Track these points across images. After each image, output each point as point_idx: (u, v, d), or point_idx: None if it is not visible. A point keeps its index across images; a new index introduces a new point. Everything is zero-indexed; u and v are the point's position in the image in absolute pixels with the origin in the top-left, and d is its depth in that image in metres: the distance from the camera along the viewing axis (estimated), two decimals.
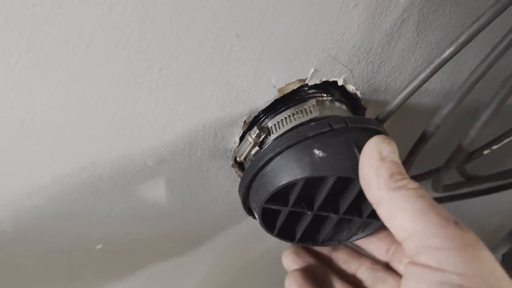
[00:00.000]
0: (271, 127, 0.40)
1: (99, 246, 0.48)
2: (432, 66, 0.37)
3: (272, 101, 0.40)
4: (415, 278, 0.26)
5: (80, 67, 0.29)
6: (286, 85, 0.40)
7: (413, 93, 0.39)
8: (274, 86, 0.39)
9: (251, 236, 0.67)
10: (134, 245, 0.53)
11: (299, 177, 0.34)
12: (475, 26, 0.35)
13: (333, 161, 0.35)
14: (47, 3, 0.26)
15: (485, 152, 0.57)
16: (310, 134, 0.35)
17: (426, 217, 0.27)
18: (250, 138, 0.40)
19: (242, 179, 0.39)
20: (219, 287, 0.82)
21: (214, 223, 0.57)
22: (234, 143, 0.42)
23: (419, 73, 0.38)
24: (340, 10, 0.35)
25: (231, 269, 0.78)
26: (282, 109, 0.41)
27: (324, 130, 0.35)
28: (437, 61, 0.37)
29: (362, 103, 0.45)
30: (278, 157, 0.36)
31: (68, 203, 0.40)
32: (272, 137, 0.40)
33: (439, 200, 0.60)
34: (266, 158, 0.36)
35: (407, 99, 0.39)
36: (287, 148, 0.36)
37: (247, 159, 0.42)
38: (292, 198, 0.37)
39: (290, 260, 0.42)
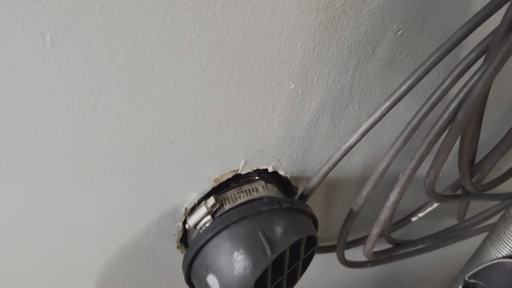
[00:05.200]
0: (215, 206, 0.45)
1: None
2: (340, 151, 0.44)
3: (210, 190, 0.45)
4: None
5: (31, 182, 0.34)
6: (221, 175, 0.45)
7: (328, 173, 0.45)
8: (210, 178, 0.44)
9: None
10: None
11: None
12: (371, 119, 0.42)
13: None
14: (1, 135, 0.31)
15: (413, 219, 0.64)
16: (264, 209, 0.42)
17: None
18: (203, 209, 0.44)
19: (185, 257, 0.44)
20: None
21: None
22: (178, 227, 0.47)
23: (331, 157, 0.45)
24: (260, 115, 0.42)
25: None
26: (224, 189, 0.46)
27: (275, 207, 0.42)
28: (344, 147, 0.44)
29: (293, 183, 0.51)
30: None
31: None
32: (222, 210, 0.45)
33: (374, 262, 0.65)
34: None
35: (324, 178, 0.46)
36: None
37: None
38: None
39: None
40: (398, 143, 0.43)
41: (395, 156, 0.44)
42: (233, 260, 0.40)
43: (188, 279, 0.45)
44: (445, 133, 0.41)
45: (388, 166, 0.45)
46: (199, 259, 0.42)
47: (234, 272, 0.40)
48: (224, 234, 0.41)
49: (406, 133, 0.42)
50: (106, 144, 0.35)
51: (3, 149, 0.31)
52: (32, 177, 0.34)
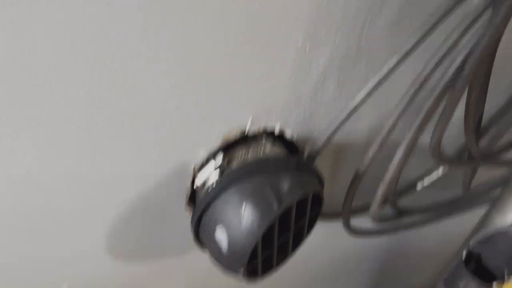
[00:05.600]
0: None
1: (65, 286, 0.52)
2: (346, 111, 0.44)
3: (218, 148, 0.46)
4: None
5: (41, 137, 0.35)
6: (229, 134, 0.46)
7: (335, 133, 0.46)
8: (218, 136, 0.45)
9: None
10: (100, 285, 0.57)
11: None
12: (378, 76, 0.42)
13: None
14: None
15: (418, 185, 0.64)
16: (271, 166, 0.43)
17: None
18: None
19: (193, 213, 0.44)
20: None
21: (174, 260, 0.61)
22: (187, 186, 0.47)
23: (338, 116, 0.45)
24: (268, 72, 0.42)
25: None
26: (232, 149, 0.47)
27: (282, 165, 0.44)
28: (351, 105, 0.44)
29: (300, 146, 0.52)
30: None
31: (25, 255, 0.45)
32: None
33: (379, 232, 0.66)
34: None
35: (330, 139, 0.46)
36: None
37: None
38: None
39: None
40: (405, 100, 0.43)
41: (401, 114, 0.44)
42: (240, 214, 0.41)
43: (197, 236, 0.46)
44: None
45: (394, 124, 0.45)
46: (207, 215, 0.43)
47: (242, 225, 0.41)
48: (232, 190, 0.42)
49: (413, 89, 0.43)
50: (118, 95, 0.36)
51: (14, 106, 0.32)
52: (41, 131, 0.35)
